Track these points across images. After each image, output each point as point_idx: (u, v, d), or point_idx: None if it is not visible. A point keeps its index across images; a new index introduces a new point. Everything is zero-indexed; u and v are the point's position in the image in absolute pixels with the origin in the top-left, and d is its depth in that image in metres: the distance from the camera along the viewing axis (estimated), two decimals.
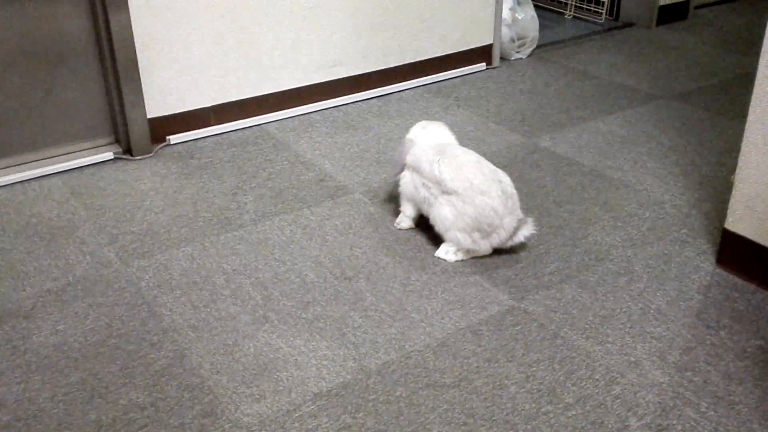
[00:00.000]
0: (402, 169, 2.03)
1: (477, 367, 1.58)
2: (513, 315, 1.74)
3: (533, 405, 1.49)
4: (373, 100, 2.93)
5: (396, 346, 1.64)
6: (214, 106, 2.60)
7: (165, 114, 2.50)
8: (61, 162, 2.37)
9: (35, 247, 1.98)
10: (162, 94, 2.47)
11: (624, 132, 2.68)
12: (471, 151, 1.97)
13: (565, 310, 1.75)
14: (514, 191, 1.92)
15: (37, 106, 2.32)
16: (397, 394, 1.51)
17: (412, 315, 1.74)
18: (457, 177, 1.88)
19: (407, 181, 2.01)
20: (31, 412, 1.46)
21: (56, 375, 1.55)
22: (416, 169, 1.97)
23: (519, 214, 1.92)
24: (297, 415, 1.46)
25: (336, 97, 2.86)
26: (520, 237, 1.92)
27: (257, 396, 1.50)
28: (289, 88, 2.73)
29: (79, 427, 1.42)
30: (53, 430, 1.41)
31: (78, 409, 1.47)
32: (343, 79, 2.85)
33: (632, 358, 1.61)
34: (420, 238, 2.03)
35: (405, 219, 2.07)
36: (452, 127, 2.61)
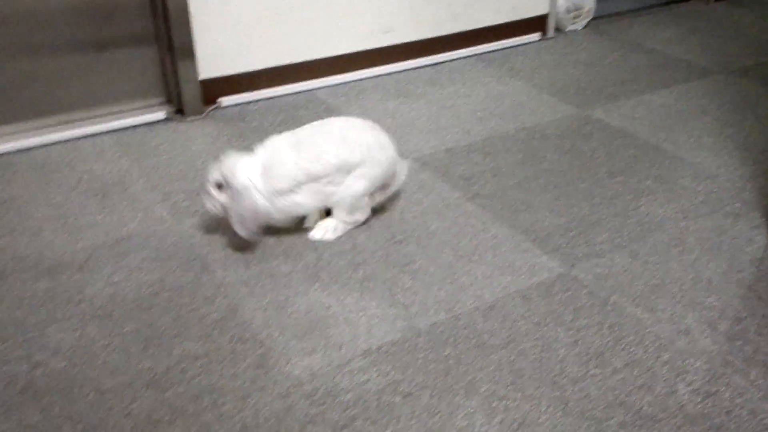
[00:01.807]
0: (256, 222, 1.76)
1: (526, 330, 1.58)
2: (563, 282, 1.72)
3: (581, 368, 1.47)
4: (424, 69, 2.90)
5: (445, 308, 1.64)
6: (265, 69, 2.60)
7: (217, 76, 2.51)
8: (113, 120, 2.40)
9: (88, 203, 2.03)
10: (214, 55, 2.49)
11: (679, 106, 2.60)
12: (306, 126, 1.84)
13: (615, 279, 1.73)
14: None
15: (89, 64, 2.34)
16: (446, 353, 1.52)
17: (462, 279, 1.74)
18: (352, 148, 1.78)
19: (304, 197, 1.77)
20: (86, 359, 1.50)
21: (111, 324, 1.59)
22: (308, 181, 1.75)
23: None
24: (347, 369, 1.48)
25: (387, 64, 2.84)
26: (402, 177, 1.92)
27: (308, 350, 1.53)
28: (340, 54, 2.73)
29: (133, 375, 1.46)
30: (108, 376, 1.46)
31: (133, 358, 1.51)
32: (395, 46, 2.82)
33: (682, 327, 1.58)
34: (470, 206, 2.01)
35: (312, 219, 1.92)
36: (504, 98, 2.61)
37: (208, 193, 1.78)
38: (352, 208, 1.84)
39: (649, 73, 2.88)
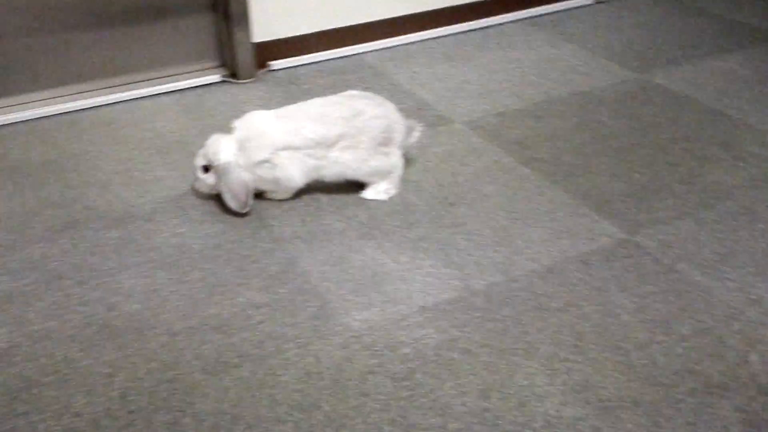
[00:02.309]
0: (246, 195, 1.77)
1: (586, 294, 1.56)
2: (624, 247, 1.69)
3: (646, 334, 1.45)
4: (472, 32, 2.85)
5: (501, 270, 1.63)
6: (314, 33, 2.59)
7: (268, 40, 2.52)
8: (172, 82, 2.44)
9: (152, 159, 2.07)
10: (267, 19, 2.49)
11: (744, 71, 2.50)
12: (289, 106, 1.85)
13: (680, 246, 1.69)
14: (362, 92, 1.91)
15: (151, 29, 2.39)
16: (504, 313, 1.51)
17: (517, 241, 1.72)
18: (334, 123, 1.78)
19: (288, 166, 1.77)
20: (158, 302, 1.56)
21: (178, 272, 1.64)
22: (285, 148, 1.77)
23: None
24: (404, 324, 1.49)
25: (435, 28, 2.80)
26: (414, 137, 1.93)
27: (365, 304, 1.54)
28: (388, 17, 2.70)
29: (201, 319, 1.51)
30: (178, 319, 1.51)
31: (200, 304, 1.55)
32: (442, 9, 2.78)
33: (753, 296, 1.54)
34: (524, 170, 1.98)
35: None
36: (557, 62, 2.55)
37: (197, 177, 1.84)
38: (362, 174, 1.83)
39: (712, 38, 2.78)
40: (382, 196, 1.88)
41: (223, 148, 1.78)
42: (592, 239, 1.72)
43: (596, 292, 1.57)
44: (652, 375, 1.37)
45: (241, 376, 1.38)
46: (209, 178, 1.82)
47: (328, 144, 1.78)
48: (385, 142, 1.82)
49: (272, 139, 1.76)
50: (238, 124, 1.82)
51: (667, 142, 2.11)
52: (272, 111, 1.84)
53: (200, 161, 1.83)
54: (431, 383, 1.35)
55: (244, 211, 1.80)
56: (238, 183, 1.77)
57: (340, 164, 1.81)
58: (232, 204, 1.79)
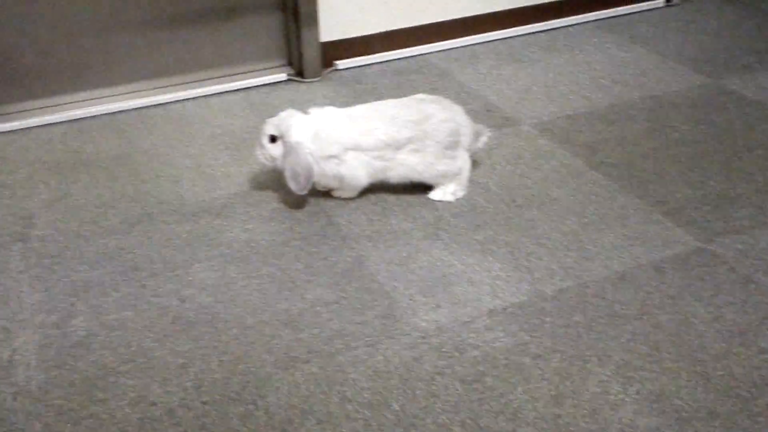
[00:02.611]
0: (308, 179, 1.75)
1: (660, 302, 1.52)
2: (699, 256, 1.64)
3: (723, 345, 1.41)
4: (539, 34, 2.82)
5: (572, 275, 1.61)
6: (380, 33, 2.61)
7: (335, 39, 2.55)
8: (240, 80, 2.49)
9: (221, 155, 2.12)
10: (334, 19, 2.51)
11: None
12: (360, 106, 1.85)
13: (758, 256, 1.63)
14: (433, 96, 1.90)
15: (219, 26, 2.45)
16: (575, 319, 1.49)
17: (588, 246, 1.69)
18: (404, 126, 1.77)
19: (355, 166, 1.78)
20: (229, 296, 1.59)
21: (248, 267, 1.67)
22: (353, 148, 1.78)
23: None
24: (473, 326, 1.48)
25: (501, 29, 2.78)
26: (482, 142, 1.91)
27: (433, 305, 1.54)
28: (454, 18, 2.69)
29: (271, 314, 1.53)
30: (249, 313, 1.54)
31: (270, 299, 1.58)
32: (509, 10, 2.76)
33: None
34: (595, 174, 1.94)
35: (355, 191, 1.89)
36: (627, 65, 2.49)
37: (262, 146, 1.81)
38: (429, 176, 1.82)
39: None
40: (449, 198, 1.87)
41: (298, 126, 1.77)
42: (665, 246, 1.68)
43: (670, 300, 1.53)
44: (729, 386, 1.33)
45: (311, 371, 1.39)
46: (275, 149, 1.80)
47: (396, 147, 1.78)
48: (452, 145, 1.82)
49: (343, 136, 1.77)
50: (314, 111, 1.82)
51: (743, 150, 2.04)
52: (345, 109, 1.85)
53: (270, 129, 1.80)
54: (502, 387, 1.34)
55: (300, 193, 1.78)
56: (304, 165, 1.75)
57: (406, 167, 1.81)
58: (291, 184, 1.78)
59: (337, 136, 1.77)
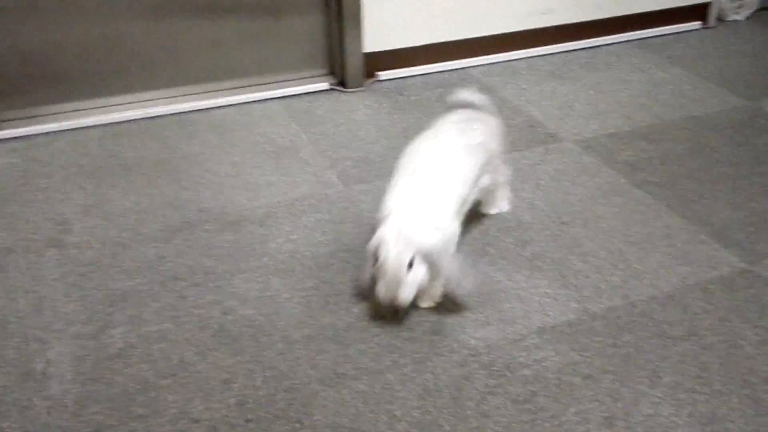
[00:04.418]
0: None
1: (709, 324, 1.52)
2: (745, 278, 1.64)
3: None
4: (579, 52, 2.83)
5: (620, 294, 1.60)
6: (423, 45, 2.62)
7: (378, 50, 2.56)
8: (281, 88, 2.50)
9: (264, 164, 2.13)
10: (378, 30, 2.52)
11: None
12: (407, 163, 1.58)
13: None
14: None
15: (264, 33, 2.45)
16: (625, 339, 1.48)
17: (635, 266, 1.69)
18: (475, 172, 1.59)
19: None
20: (273, 308, 1.58)
21: (292, 279, 1.67)
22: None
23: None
24: (523, 344, 1.48)
25: (542, 46, 2.79)
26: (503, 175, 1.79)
27: (482, 322, 1.54)
28: (497, 33, 2.70)
29: (316, 328, 1.53)
30: (293, 327, 1.53)
31: (315, 312, 1.57)
32: (551, 27, 2.76)
33: None
34: (638, 193, 1.94)
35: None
36: (666, 85, 2.50)
37: (400, 278, 1.40)
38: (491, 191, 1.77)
39: None
40: (505, 207, 1.87)
41: (420, 228, 1.43)
42: (712, 267, 1.68)
43: (718, 321, 1.53)
44: None
45: (358, 389, 1.39)
46: (419, 272, 1.42)
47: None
48: (488, 161, 1.72)
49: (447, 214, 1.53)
50: (390, 208, 1.49)
51: None
52: (415, 179, 1.53)
53: (404, 255, 1.40)
54: (553, 408, 1.34)
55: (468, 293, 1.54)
56: (458, 264, 1.47)
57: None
58: (460, 290, 1.51)
59: (443, 215, 1.51)
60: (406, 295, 1.43)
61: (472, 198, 1.67)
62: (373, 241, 1.44)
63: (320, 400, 1.36)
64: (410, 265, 1.41)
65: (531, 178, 2.03)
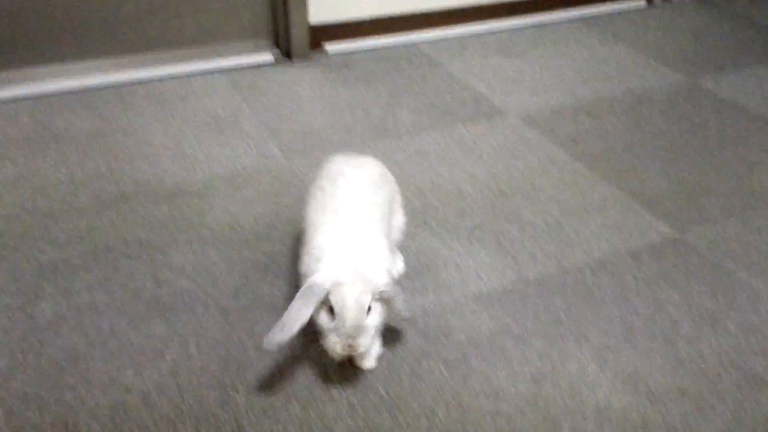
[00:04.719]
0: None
1: (637, 289, 1.57)
2: (673, 245, 1.70)
3: (694, 329, 1.47)
4: (526, 29, 2.87)
5: (554, 261, 1.65)
6: (371, 18, 2.62)
7: (324, 21, 2.54)
8: (223, 59, 2.46)
9: (203, 135, 2.10)
10: (324, 1, 2.50)
11: None
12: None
13: (727, 246, 1.70)
14: None
15: (205, 0, 2.38)
16: (556, 304, 1.53)
17: (570, 235, 1.73)
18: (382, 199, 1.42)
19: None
20: (209, 280, 1.57)
21: (230, 251, 1.66)
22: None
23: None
24: (459, 311, 1.51)
25: (490, 22, 2.82)
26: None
27: (420, 290, 1.56)
28: (446, 7, 2.72)
29: (253, 298, 1.53)
30: (229, 297, 1.53)
31: (252, 283, 1.57)
32: (500, 3, 2.79)
33: None
34: (577, 165, 1.99)
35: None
36: (609, 61, 2.55)
37: (361, 323, 1.24)
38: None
39: (760, 47, 2.76)
40: (400, 265, 1.62)
41: (374, 267, 1.29)
42: (642, 236, 1.74)
43: (646, 287, 1.58)
44: (698, 367, 1.39)
45: (294, 355, 1.40)
46: (376, 314, 1.28)
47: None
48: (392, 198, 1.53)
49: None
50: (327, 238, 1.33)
51: (716, 146, 2.11)
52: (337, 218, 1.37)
53: (364, 297, 1.24)
54: (485, 369, 1.38)
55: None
56: (402, 297, 1.33)
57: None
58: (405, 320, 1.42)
59: (384, 250, 1.37)
60: (367, 341, 1.27)
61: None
62: (320, 286, 1.24)
63: (255, 365, 1.36)
64: (369, 308, 1.28)
65: (474, 151, 2.06)
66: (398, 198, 1.55)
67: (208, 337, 1.42)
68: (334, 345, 1.25)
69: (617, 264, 1.64)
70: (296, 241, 1.68)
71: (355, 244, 1.32)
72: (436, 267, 1.62)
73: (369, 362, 1.39)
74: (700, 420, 1.27)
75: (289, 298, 1.51)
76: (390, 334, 1.43)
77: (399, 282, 1.53)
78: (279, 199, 1.83)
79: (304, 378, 1.35)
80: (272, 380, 1.34)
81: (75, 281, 1.55)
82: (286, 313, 1.22)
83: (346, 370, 1.35)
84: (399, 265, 1.60)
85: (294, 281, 1.55)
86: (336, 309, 1.23)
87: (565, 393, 1.32)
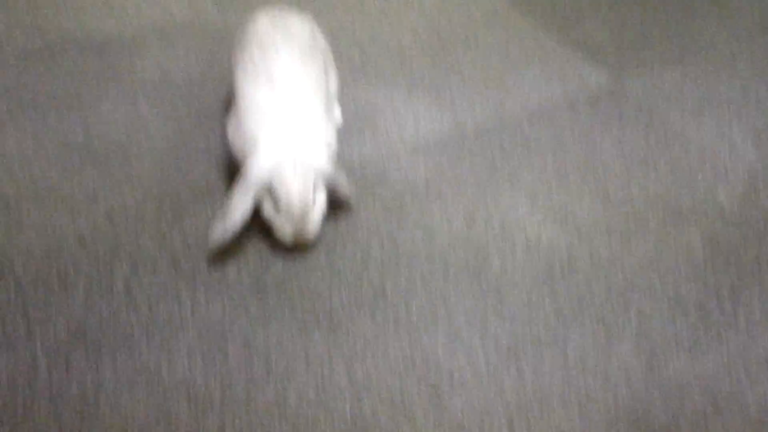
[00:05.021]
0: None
1: (572, 137, 1.59)
2: (611, 94, 1.71)
3: (625, 171, 1.51)
4: None
5: (492, 111, 1.65)
6: None
7: None
8: None
9: None
10: None
11: None
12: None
13: (663, 93, 1.72)
14: None
15: None
16: (493, 151, 1.54)
17: (509, 84, 1.73)
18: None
19: None
20: (143, 133, 1.54)
21: (163, 103, 1.62)
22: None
23: None
24: (396, 158, 1.51)
25: None
26: None
27: (357, 139, 1.55)
28: None
29: (187, 149, 1.50)
30: (163, 147, 1.50)
31: (186, 134, 1.54)
32: None
33: (727, 139, 1.60)
34: (519, 16, 1.95)
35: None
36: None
37: (308, 211, 1.23)
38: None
39: None
40: (338, 118, 1.57)
41: (314, 150, 1.25)
42: (581, 85, 1.74)
43: (581, 134, 1.60)
44: (626, 205, 1.44)
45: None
46: (322, 199, 1.27)
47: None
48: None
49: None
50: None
51: None
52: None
53: (308, 184, 1.22)
54: (418, 206, 1.41)
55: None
56: (344, 174, 1.33)
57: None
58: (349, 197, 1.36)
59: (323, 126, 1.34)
60: (316, 228, 1.26)
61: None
62: (258, 176, 1.20)
63: (190, 210, 1.36)
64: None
65: (414, 4, 1.99)
66: (330, 57, 1.48)
67: (143, 185, 1.41)
68: (284, 233, 1.24)
69: (554, 113, 1.65)
70: (230, 96, 1.63)
71: (292, 124, 1.25)
72: (374, 117, 1.61)
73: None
74: (625, 253, 1.34)
75: (224, 154, 1.51)
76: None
77: (338, 131, 1.50)
78: (212, 55, 1.76)
79: (246, 233, 1.32)
80: (207, 225, 1.34)
81: (3, 133, 1.50)
82: (225, 207, 1.21)
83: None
84: (337, 116, 1.57)
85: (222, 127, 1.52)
86: (281, 202, 1.21)
87: (497, 230, 1.37)
